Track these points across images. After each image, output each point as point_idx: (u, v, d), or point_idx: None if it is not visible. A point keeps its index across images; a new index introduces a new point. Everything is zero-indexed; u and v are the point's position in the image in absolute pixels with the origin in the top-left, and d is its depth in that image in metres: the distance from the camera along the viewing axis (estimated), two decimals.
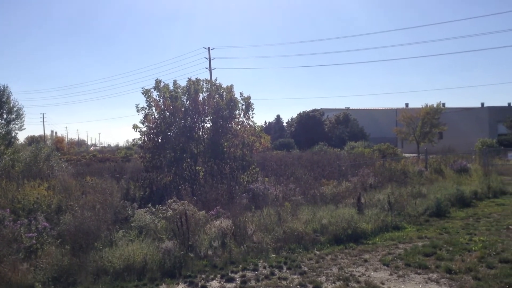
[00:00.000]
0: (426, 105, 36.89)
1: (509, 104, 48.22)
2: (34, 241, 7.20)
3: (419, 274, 6.40)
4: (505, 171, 19.40)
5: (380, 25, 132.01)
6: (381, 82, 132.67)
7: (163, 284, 6.37)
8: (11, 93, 19.51)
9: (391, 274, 6.45)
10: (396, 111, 53.70)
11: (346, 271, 6.63)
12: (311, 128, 50.55)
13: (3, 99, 19.13)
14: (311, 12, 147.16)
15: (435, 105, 36.92)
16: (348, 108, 64.87)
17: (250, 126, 15.17)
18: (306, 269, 6.80)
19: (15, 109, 19.72)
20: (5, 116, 19.41)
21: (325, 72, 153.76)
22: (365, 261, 7.20)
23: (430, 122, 35.96)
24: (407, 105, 65.29)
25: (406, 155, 30.24)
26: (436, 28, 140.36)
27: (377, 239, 8.56)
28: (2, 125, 19.37)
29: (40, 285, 6.20)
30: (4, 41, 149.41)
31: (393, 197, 10.97)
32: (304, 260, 7.28)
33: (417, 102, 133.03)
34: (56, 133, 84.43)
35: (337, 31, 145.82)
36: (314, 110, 54.95)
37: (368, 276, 6.41)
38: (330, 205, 10.38)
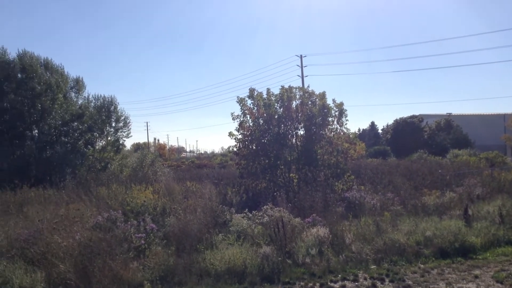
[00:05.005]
0: None
1: None
2: (142, 241, 7.63)
3: None
4: None
5: (472, 28, 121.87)
6: (480, 87, 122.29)
7: None
8: (118, 103, 21.01)
9: None
10: (504, 116, 49.38)
11: (455, 287, 6.17)
12: (409, 135, 48.18)
13: (111, 109, 20.65)
14: (398, 17, 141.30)
15: None
16: (450, 114, 60.97)
17: (344, 133, 14.89)
18: (410, 282, 6.46)
19: (122, 118, 21.16)
20: (113, 124, 20.90)
21: (421, 77, 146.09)
22: (476, 277, 6.67)
23: None
24: None
25: None
26: None
27: (488, 254, 7.91)
28: (111, 133, 20.91)
29: (149, 284, 6.56)
30: (106, 55, 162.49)
31: (505, 209, 10.08)
32: (408, 273, 6.92)
33: None
34: (158, 140, 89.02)
35: (426, 35, 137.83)
36: (412, 116, 52.39)
37: None
38: (433, 217, 9.82)
